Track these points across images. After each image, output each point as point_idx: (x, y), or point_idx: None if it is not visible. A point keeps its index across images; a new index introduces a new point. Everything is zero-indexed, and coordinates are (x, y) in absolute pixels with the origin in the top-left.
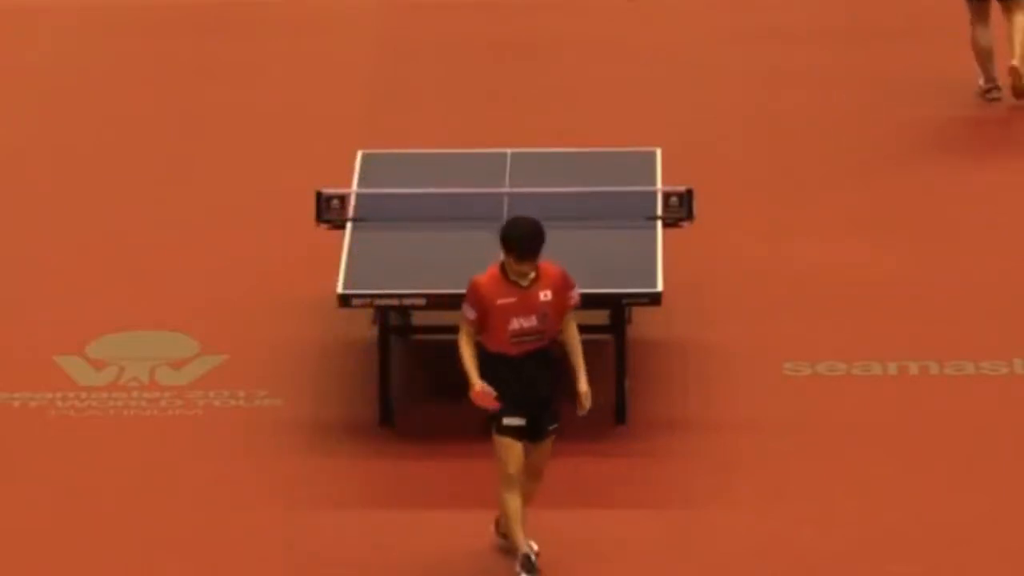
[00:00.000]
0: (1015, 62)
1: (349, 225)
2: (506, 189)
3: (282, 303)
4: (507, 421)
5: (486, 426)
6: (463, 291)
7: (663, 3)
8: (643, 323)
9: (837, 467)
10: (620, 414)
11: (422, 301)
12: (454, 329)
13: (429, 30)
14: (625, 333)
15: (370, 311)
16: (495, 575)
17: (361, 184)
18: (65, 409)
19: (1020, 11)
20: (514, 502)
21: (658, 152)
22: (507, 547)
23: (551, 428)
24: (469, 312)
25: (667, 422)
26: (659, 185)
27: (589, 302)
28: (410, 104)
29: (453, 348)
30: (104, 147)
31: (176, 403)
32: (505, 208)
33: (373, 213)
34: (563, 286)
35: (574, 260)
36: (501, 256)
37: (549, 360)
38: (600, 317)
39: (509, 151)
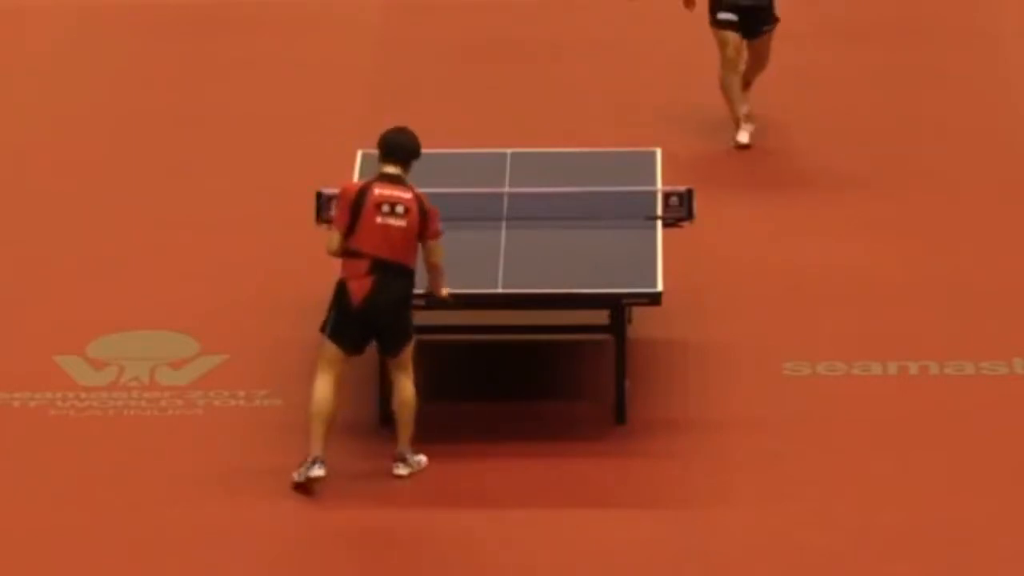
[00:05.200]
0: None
1: None
2: (506, 189)
3: (282, 303)
4: None
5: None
6: (463, 291)
7: (663, 3)
8: (643, 323)
9: (837, 467)
10: (620, 414)
11: (422, 301)
12: (454, 329)
13: (429, 30)
14: (625, 333)
15: None
16: (495, 574)
17: None
18: (65, 409)
19: None
20: None
21: (658, 152)
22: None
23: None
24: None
25: (667, 422)
26: (659, 185)
27: (589, 302)
28: (410, 104)
29: (453, 348)
30: (104, 147)
31: (176, 403)
32: (505, 208)
33: None
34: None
35: (574, 260)
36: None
37: None
38: (600, 317)
39: (509, 151)
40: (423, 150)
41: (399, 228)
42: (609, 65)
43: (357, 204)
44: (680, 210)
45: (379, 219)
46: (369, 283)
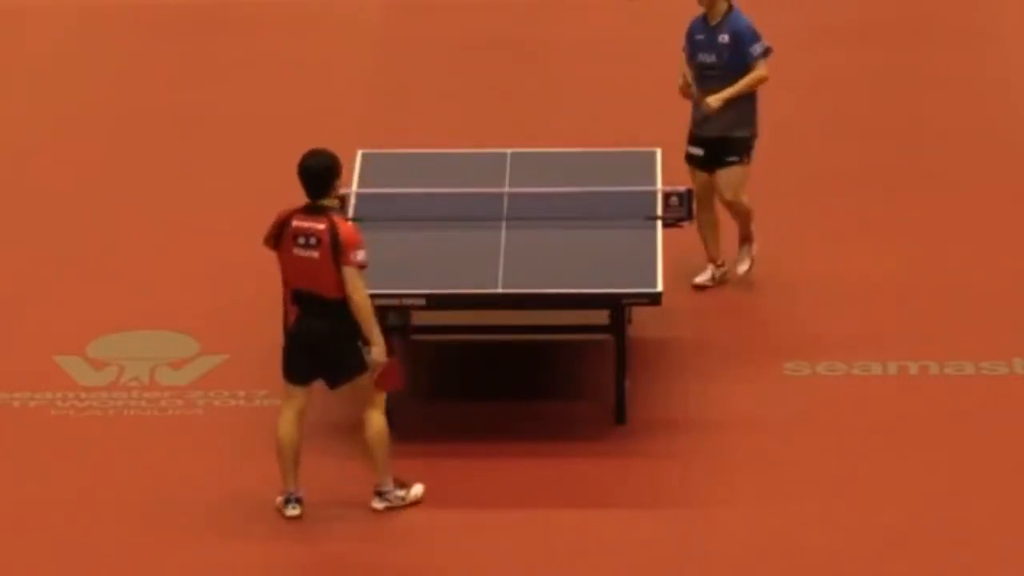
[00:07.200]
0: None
1: None
2: (506, 189)
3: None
4: None
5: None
6: (463, 291)
7: (663, 3)
8: (643, 323)
9: (837, 467)
10: (620, 414)
11: (422, 301)
12: (454, 329)
13: (429, 30)
14: (625, 333)
15: None
16: (494, 574)
17: (361, 184)
18: (65, 409)
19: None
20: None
21: (658, 152)
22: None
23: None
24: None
25: (667, 422)
26: (659, 185)
27: (589, 302)
28: (410, 104)
29: (453, 348)
30: (104, 147)
31: (176, 403)
32: (505, 208)
33: (373, 213)
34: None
35: (574, 260)
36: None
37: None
38: (600, 317)
39: (509, 151)
40: (423, 150)
41: (311, 260)
42: (609, 65)
43: (281, 234)
44: (680, 210)
45: (295, 251)
46: (296, 312)
